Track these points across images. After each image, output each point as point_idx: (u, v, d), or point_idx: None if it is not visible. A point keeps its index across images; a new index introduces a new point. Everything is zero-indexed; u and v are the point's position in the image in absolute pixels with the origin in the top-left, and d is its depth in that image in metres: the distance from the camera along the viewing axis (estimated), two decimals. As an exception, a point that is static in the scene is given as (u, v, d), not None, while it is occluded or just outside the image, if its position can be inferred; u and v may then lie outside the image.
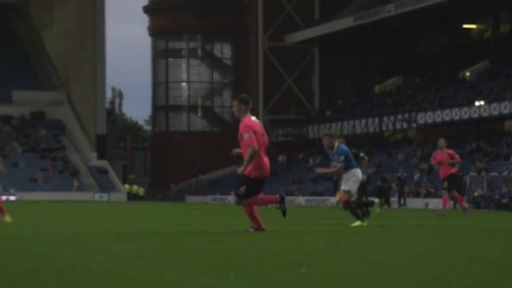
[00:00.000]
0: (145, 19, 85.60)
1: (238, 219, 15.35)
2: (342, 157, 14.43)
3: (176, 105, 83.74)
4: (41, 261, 7.01)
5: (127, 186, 74.37)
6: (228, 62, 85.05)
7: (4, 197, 59.74)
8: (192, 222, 16.66)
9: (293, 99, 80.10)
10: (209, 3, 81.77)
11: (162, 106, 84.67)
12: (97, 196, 67.73)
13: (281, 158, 72.09)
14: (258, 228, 11.75)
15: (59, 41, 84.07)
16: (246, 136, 11.22)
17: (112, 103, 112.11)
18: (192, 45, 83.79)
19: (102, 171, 73.76)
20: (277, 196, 11.87)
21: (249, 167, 11.29)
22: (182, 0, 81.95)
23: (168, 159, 79.56)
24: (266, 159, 11.46)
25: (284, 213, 11.87)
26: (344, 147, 14.70)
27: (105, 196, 68.09)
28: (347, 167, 14.65)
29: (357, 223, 14.75)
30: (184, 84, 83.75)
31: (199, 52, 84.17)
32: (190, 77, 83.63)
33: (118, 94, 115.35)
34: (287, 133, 76.00)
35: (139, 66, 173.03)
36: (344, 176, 14.70)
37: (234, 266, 6.54)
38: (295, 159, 71.72)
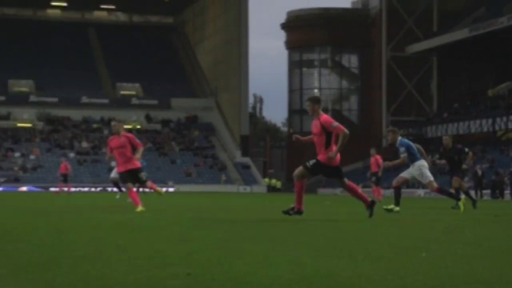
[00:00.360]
0: (282, 35, 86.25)
1: (363, 208, 15.22)
2: (403, 148, 14.30)
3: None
4: (196, 244, 7.15)
5: (266, 179, 74.96)
6: (355, 70, 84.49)
7: (164, 189, 61.52)
8: (324, 211, 16.64)
9: (413, 103, 78.76)
10: (338, 19, 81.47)
11: (297, 110, 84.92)
12: (241, 188, 68.55)
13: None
14: (370, 204, 11.93)
15: (209, 55, 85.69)
16: (335, 125, 11.34)
17: (254, 108, 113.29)
18: (323, 56, 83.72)
19: (246, 167, 74.63)
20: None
21: (323, 154, 11.28)
22: (314, 18, 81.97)
23: (302, 156, 79.26)
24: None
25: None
26: (406, 140, 14.65)
27: (248, 188, 68.85)
28: (412, 160, 14.49)
29: (461, 204, 14.49)
30: (316, 90, 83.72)
31: (329, 62, 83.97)
32: (321, 84, 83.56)
33: (259, 100, 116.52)
34: (407, 133, 74.75)
35: (277, 75, 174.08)
36: (413, 170, 14.48)
37: (362, 250, 6.51)
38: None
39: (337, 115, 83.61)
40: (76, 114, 77.30)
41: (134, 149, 14.67)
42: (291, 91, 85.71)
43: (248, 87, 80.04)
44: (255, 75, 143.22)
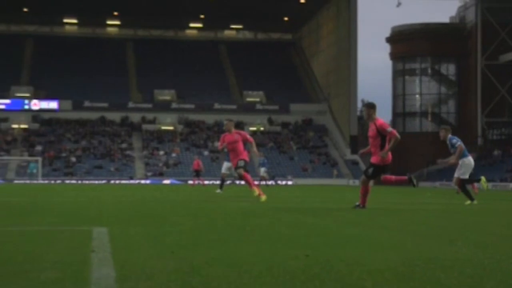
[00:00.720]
0: (387, 47, 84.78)
1: (458, 200, 14.80)
2: (455, 140, 13.99)
3: (411, 112, 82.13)
4: (312, 230, 7.15)
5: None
6: (452, 78, 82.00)
7: (283, 182, 61.90)
8: (425, 202, 16.27)
9: (505, 105, 75.69)
10: (437, 33, 79.41)
11: (400, 113, 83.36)
12: (350, 182, 67.95)
13: (496, 152, 68.44)
14: (408, 180, 11.44)
15: (323, 66, 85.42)
16: (389, 129, 11.01)
17: (362, 111, 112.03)
18: (423, 65, 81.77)
19: (355, 163, 73.93)
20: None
21: (377, 155, 11.03)
22: (416, 32, 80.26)
23: (405, 154, 78.05)
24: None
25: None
26: (456, 138, 14.27)
27: (356, 182, 67.98)
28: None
29: (483, 183, 14.07)
30: (417, 96, 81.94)
31: (429, 70, 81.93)
32: (422, 90, 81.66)
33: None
34: (501, 132, 72.14)
35: (382, 82, 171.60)
36: (460, 164, 14.02)
37: (460, 237, 6.32)
38: (508, 153, 67.82)
39: (436, 117, 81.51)
40: (209, 118, 78.97)
41: (245, 144, 14.84)
42: (395, 96, 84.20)
43: (357, 93, 79.22)
44: (363, 82, 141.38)
